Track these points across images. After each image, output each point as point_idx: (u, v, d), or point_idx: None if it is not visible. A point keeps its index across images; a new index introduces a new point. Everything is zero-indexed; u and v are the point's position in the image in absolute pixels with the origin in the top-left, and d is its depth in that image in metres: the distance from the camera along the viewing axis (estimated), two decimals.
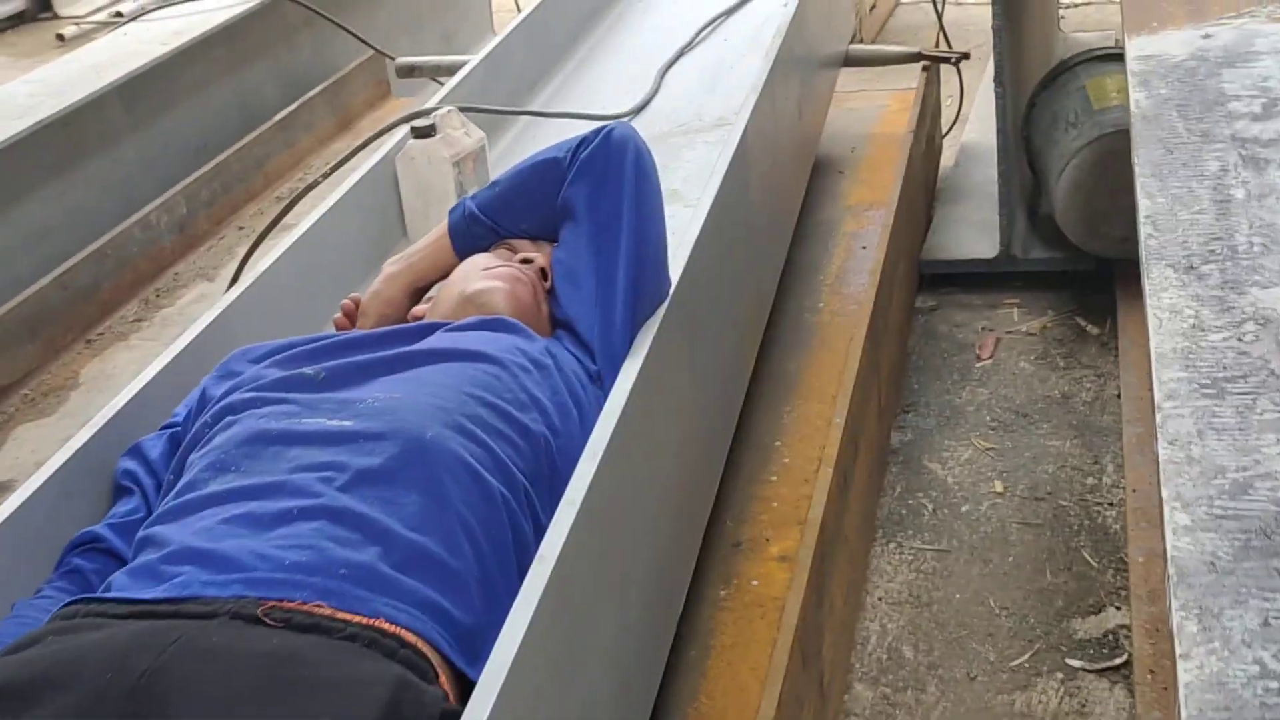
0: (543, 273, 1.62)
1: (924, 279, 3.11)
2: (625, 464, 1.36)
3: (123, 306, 2.97)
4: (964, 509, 2.39)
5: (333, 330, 1.70)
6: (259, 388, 1.35)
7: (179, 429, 1.42)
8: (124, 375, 2.72)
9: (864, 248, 2.69)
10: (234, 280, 2.16)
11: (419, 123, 2.12)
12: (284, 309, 1.80)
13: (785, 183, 2.48)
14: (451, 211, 1.71)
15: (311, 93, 3.65)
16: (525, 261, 1.63)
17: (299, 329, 1.71)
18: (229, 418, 1.33)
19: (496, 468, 1.28)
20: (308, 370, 1.36)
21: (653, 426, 1.50)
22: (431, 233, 1.72)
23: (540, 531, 1.22)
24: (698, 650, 1.70)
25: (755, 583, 1.82)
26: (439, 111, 2.14)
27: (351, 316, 1.70)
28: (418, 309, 1.68)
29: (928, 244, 3.15)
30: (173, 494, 1.26)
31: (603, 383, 1.49)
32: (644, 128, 2.32)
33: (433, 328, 1.49)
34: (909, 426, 2.64)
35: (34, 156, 2.93)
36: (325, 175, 2.20)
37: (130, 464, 1.39)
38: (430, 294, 1.70)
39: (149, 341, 2.85)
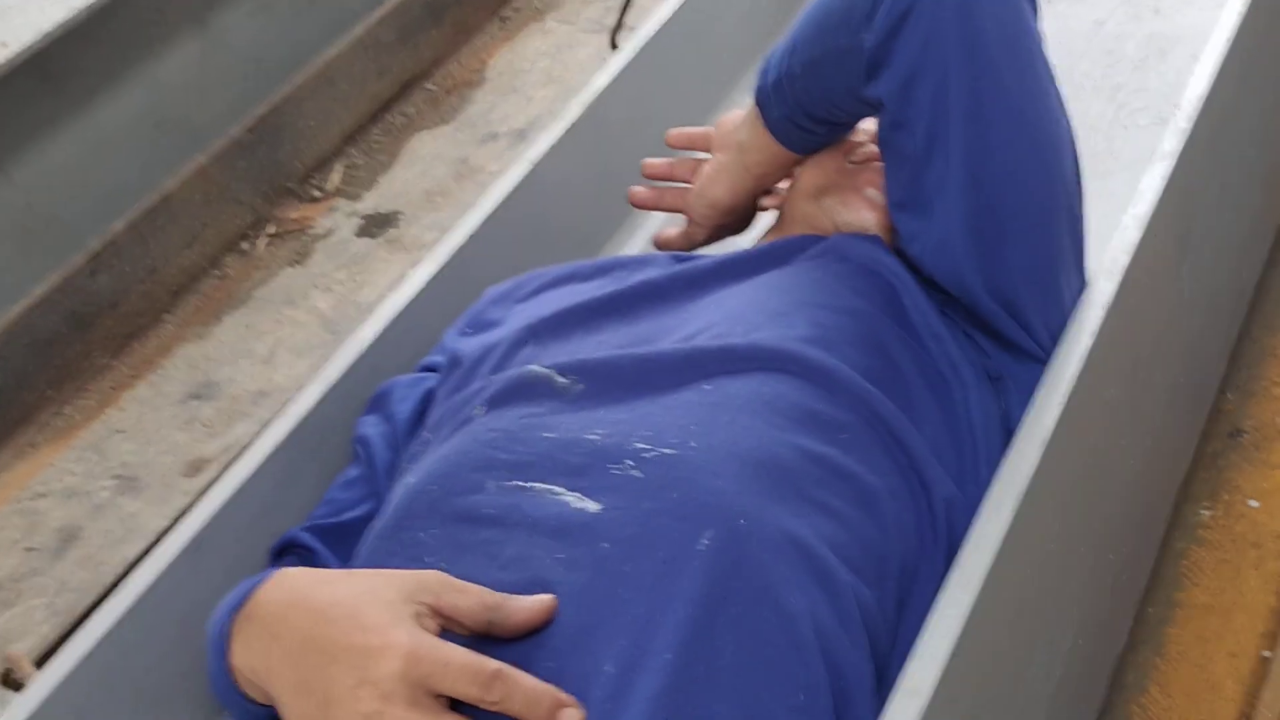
0: None
1: None
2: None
3: None
4: None
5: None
6: (489, 399, 0.89)
7: (434, 386, 1.02)
8: (533, 72, 2.37)
9: None
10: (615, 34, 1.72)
11: None
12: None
13: None
14: (761, 77, 1.02)
15: None
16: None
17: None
18: (434, 442, 0.90)
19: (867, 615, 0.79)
20: (558, 378, 0.88)
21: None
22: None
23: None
24: (1156, 607, 1.23)
25: (1254, 503, 1.29)
26: None
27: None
28: (770, 199, 1.14)
29: None
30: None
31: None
32: None
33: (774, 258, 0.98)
34: None
35: None
36: None
37: (368, 428, 1.02)
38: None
39: (565, 25, 2.46)
